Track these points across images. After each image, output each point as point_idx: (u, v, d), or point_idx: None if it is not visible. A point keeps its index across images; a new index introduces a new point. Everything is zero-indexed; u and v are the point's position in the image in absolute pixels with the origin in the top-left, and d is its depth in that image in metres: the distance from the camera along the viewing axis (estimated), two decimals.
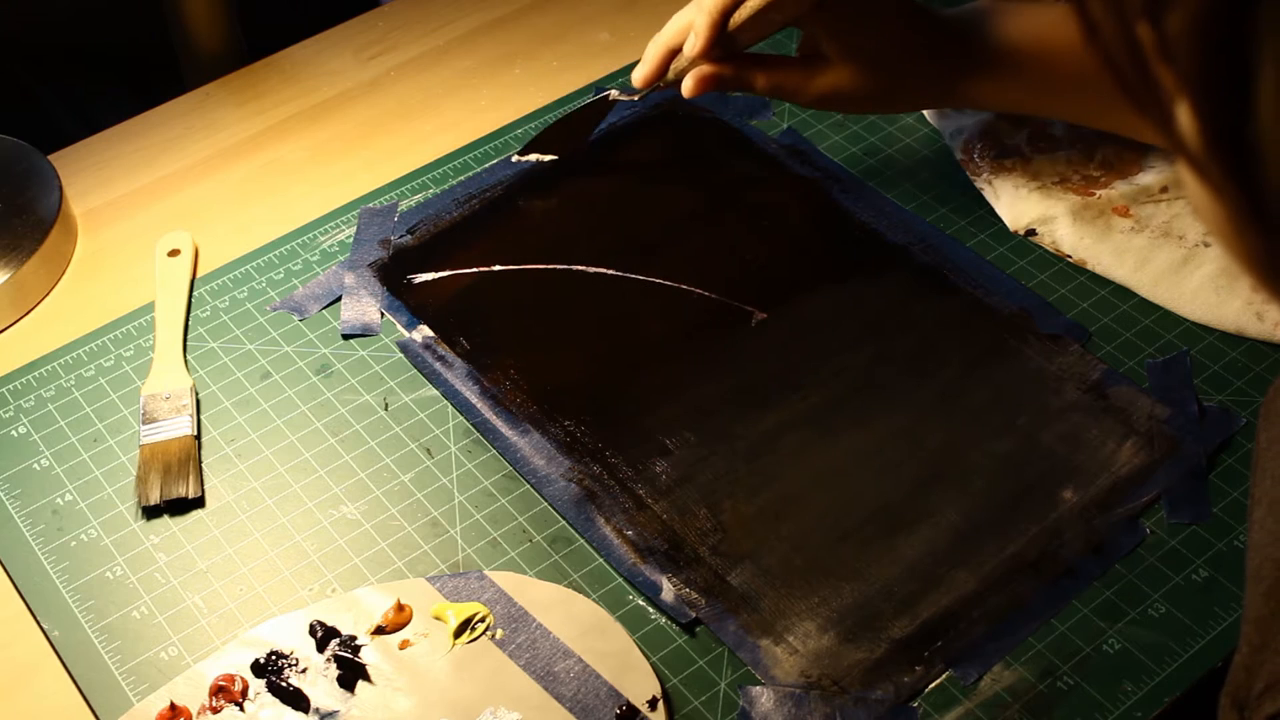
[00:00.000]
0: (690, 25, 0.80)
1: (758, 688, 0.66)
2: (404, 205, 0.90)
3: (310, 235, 0.89)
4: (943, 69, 0.81)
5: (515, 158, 0.91)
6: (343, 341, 0.82)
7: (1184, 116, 0.35)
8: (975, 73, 0.80)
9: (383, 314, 0.84)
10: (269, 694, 0.66)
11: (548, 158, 0.91)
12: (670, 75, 0.83)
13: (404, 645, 0.67)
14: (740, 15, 0.77)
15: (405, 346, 0.82)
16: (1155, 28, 0.34)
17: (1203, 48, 0.33)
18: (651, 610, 0.69)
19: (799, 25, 0.80)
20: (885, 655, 0.67)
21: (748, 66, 0.81)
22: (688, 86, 0.81)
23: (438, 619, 0.68)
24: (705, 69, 0.80)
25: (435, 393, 0.79)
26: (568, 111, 0.93)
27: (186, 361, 0.81)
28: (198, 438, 0.77)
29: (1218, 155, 0.35)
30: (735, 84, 0.81)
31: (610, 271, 0.85)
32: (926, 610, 0.69)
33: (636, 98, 0.86)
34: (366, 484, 0.75)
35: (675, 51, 0.82)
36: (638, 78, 0.84)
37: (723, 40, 0.78)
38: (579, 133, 0.91)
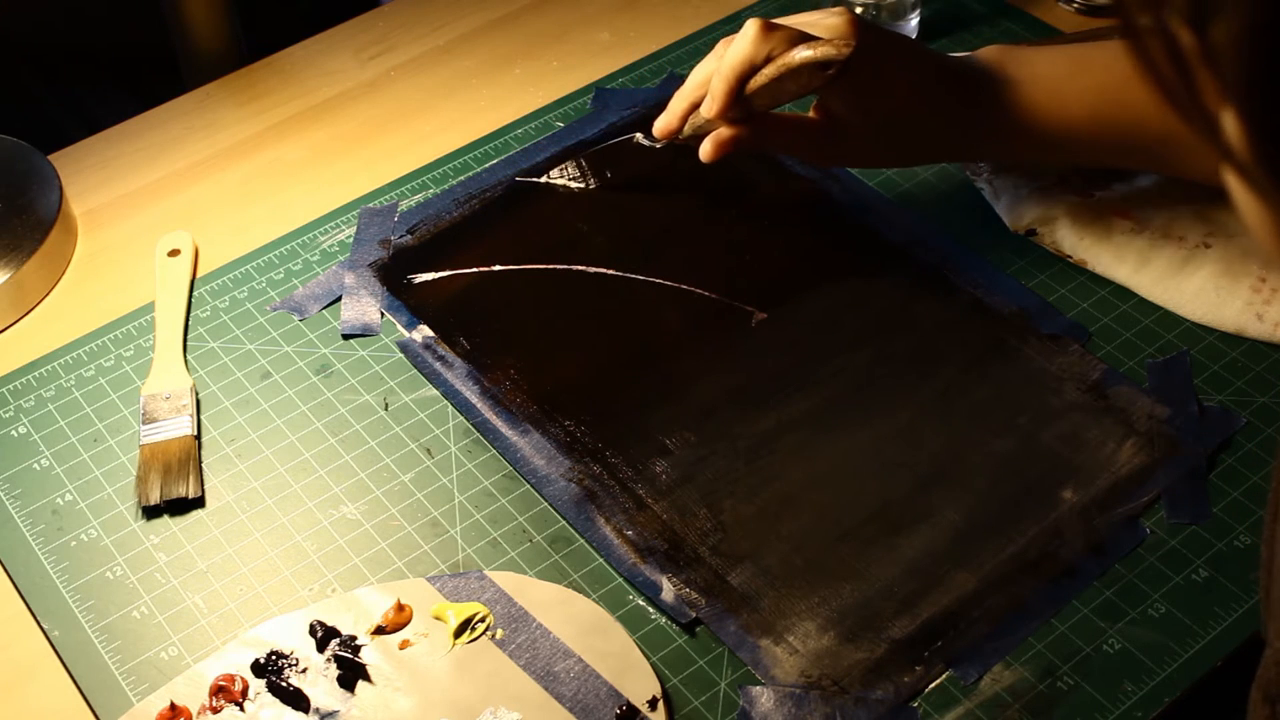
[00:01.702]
0: (710, 79, 0.80)
1: (758, 688, 0.66)
2: (404, 205, 0.90)
3: (310, 235, 0.89)
4: (961, 130, 0.80)
5: (518, 177, 0.91)
6: (343, 341, 0.82)
7: (1230, 123, 0.35)
8: (994, 130, 0.80)
9: (383, 314, 0.84)
10: (269, 694, 0.66)
11: (575, 185, 0.91)
12: (688, 130, 0.82)
13: (404, 645, 0.67)
14: (755, 82, 0.77)
15: (405, 346, 0.82)
16: (1200, 35, 0.34)
17: (1250, 55, 0.33)
18: (651, 610, 0.69)
19: (814, 93, 0.80)
20: (885, 655, 0.67)
21: (765, 129, 0.81)
22: (705, 151, 0.81)
23: (438, 619, 0.68)
24: (723, 133, 0.80)
25: (435, 393, 0.79)
26: (591, 150, 0.91)
27: (186, 361, 0.81)
28: (198, 438, 0.77)
29: (1264, 160, 0.35)
30: (752, 146, 0.81)
31: (610, 271, 0.85)
32: (926, 610, 0.69)
33: (658, 145, 0.86)
34: (366, 484, 0.75)
35: (696, 105, 0.82)
36: (658, 128, 0.84)
37: (738, 103, 0.78)
38: (601, 167, 0.91)
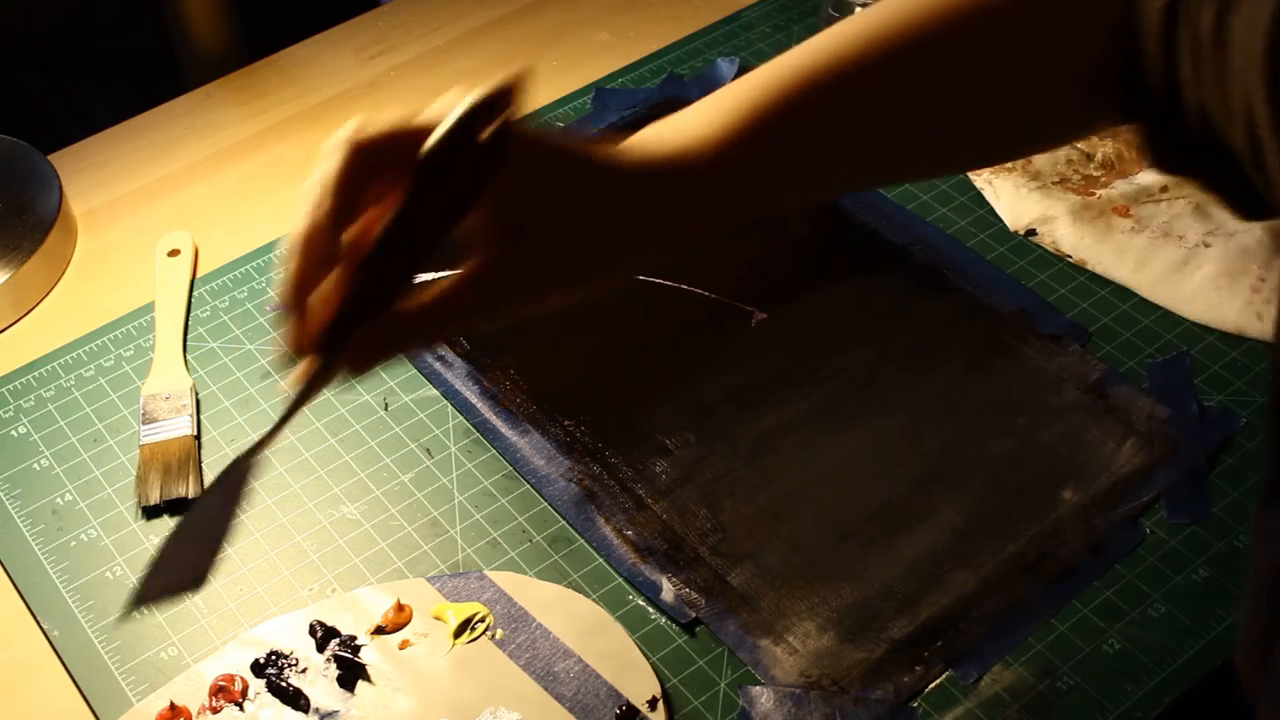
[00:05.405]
0: None
1: (758, 688, 0.66)
2: None
3: None
4: (637, 224, 0.58)
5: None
6: None
7: None
8: (685, 211, 0.59)
9: None
10: (269, 694, 0.66)
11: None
12: None
13: (404, 645, 0.67)
14: None
15: None
16: None
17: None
18: (651, 610, 0.69)
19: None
20: (885, 655, 0.67)
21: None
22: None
23: (438, 619, 0.68)
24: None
25: (435, 393, 0.79)
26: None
27: (186, 361, 0.81)
28: (198, 438, 0.77)
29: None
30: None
31: None
32: (926, 610, 0.69)
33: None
34: (366, 484, 0.75)
35: None
36: None
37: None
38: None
